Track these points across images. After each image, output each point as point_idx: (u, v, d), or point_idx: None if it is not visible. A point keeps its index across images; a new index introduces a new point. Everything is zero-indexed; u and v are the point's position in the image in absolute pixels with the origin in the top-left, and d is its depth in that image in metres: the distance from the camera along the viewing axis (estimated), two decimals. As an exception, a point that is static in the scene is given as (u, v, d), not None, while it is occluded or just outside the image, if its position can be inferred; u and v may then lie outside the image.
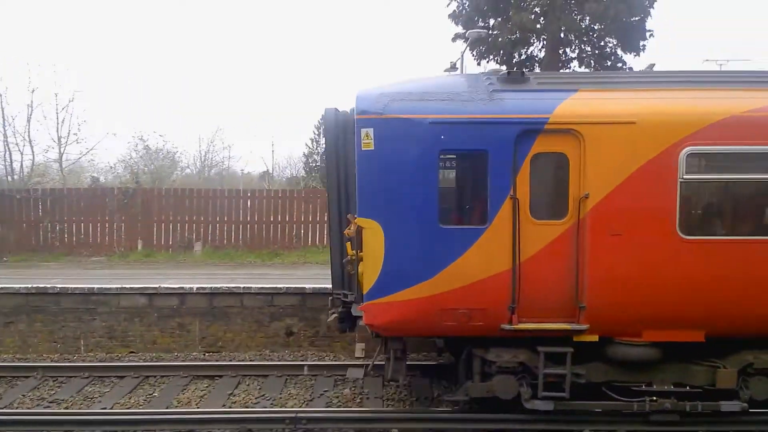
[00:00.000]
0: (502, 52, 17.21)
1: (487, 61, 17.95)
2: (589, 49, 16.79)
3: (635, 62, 20.67)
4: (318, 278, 12.30)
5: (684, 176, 6.74)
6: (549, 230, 6.90)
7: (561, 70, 17.19)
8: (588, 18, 15.70)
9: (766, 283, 6.85)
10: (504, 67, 17.08)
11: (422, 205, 6.88)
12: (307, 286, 11.43)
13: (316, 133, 53.14)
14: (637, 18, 15.57)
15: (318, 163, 50.14)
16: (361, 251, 7.18)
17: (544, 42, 16.98)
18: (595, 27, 16.09)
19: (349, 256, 7.67)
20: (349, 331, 9.04)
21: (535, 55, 17.59)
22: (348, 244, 7.82)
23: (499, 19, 16.80)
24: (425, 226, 6.88)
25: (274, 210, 16.91)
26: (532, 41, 17.21)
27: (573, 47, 17.11)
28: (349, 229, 7.76)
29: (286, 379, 9.77)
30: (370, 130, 6.91)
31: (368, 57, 70.02)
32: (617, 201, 6.76)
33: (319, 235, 16.93)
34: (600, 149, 6.75)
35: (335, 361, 10.70)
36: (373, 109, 6.94)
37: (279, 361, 10.64)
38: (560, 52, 17.02)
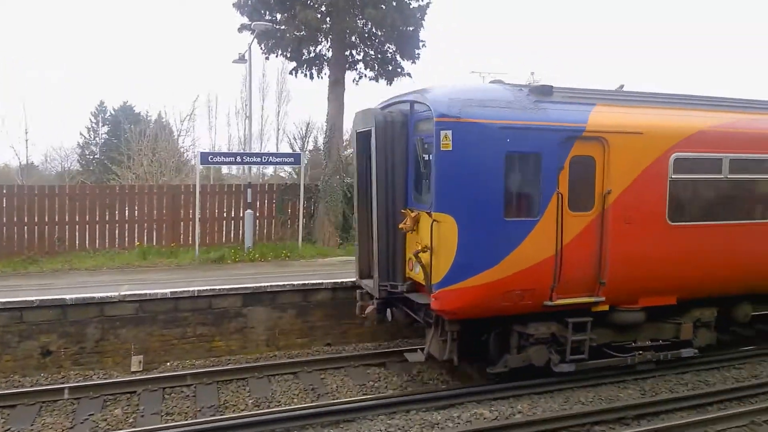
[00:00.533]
0: (290, 48, 17.15)
1: (276, 56, 17.71)
2: (372, 53, 17.59)
3: (413, 69, 22.29)
4: (86, 287, 10.84)
5: (672, 175, 8.57)
6: (581, 220, 8.22)
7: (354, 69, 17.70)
8: (370, 23, 16.44)
9: (723, 254, 8.98)
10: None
11: (492, 201, 7.76)
12: (68, 296, 9.94)
13: (93, 121, 47.35)
14: (411, 28, 16.74)
15: (96, 155, 44.74)
16: (432, 243, 7.78)
17: (332, 41, 17.33)
18: (378, 33, 16.93)
19: (419, 248, 8.01)
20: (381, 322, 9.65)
21: (323, 53, 17.85)
22: (419, 236, 8.28)
23: (286, 15, 16.71)
24: (493, 219, 7.76)
25: (29, 209, 14.46)
26: (320, 39, 17.42)
27: (359, 50, 17.76)
28: (405, 223, 8.32)
29: (41, 407, 8.36)
30: (449, 132, 7.59)
31: (147, 44, 64.32)
32: (630, 195, 8.34)
33: (89, 237, 14.96)
34: (619, 154, 8.26)
35: (106, 379, 9.52)
36: (450, 113, 7.66)
37: (31, 386, 9.08)
38: (347, 53, 17.54)
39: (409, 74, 17.63)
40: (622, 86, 10.00)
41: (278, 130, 46.20)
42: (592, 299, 8.43)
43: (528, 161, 7.98)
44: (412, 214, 8.27)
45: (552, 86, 8.48)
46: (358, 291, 9.79)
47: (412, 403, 8.25)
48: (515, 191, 8.03)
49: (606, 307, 8.61)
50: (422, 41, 17.11)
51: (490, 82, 9.19)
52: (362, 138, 9.26)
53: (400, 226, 8.45)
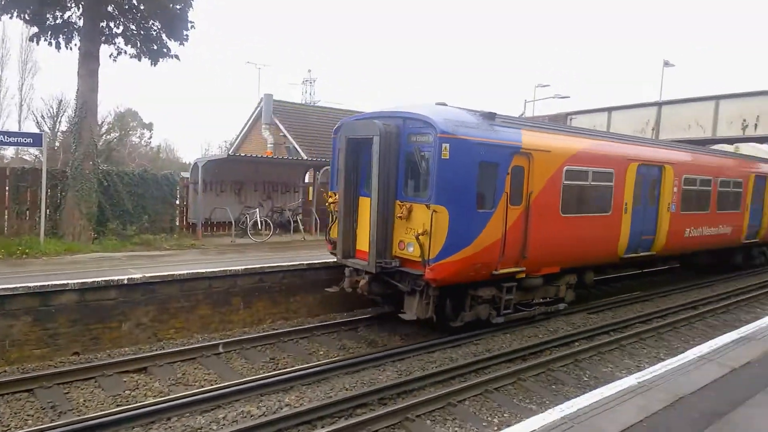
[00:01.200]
0: (30, 10, 14.53)
1: (11, 17, 14.81)
2: (134, 28, 15.84)
3: (181, 50, 20.69)
4: None
5: (564, 182, 11.90)
6: (515, 212, 11.05)
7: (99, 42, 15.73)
8: (131, -6, 14.77)
9: (587, 236, 12.67)
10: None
11: (469, 197, 10.23)
12: None
13: None
14: (179, 6, 15.44)
15: None
16: (430, 228, 9.91)
17: (84, 9, 15.17)
18: (140, 6, 15.29)
19: (419, 232, 10.01)
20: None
21: (73, 21, 15.52)
22: (411, 223, 10.35)
23: (22, -30, 14.08)
24: (470, 210, 10.25)
25: None
26: (68, 5, 15.07)
27: (117, 23, 15.82)
28: (401, 212, 10.40)
29: None
30: (447, 145, 9.87)
31: None
32: (542, 195, 11.48)
33: None
34: (538, 165, 11.32)
35: None
36: (448, 130, 9.95)
37: None
38: (103, 24, 15.53)
39: (176, 56, 16.28)
40: (522, 114, 12.15)
41: (21, 105, 39.45)
42: (518, 269, 11.32)
43: (491, 168, 10.52)
44: (407, 206, 10.33)
45: (495, 113, 11.03)
46: (346, 269, 11.60)
47: (173, 409, 7.71)
48: (482, 190, 10.45)
49: (523, 275, 11.59)
50: (191, 22, 15.95)
51: (436, 103, 11.25)
52: (353, 142, 11.28)
53: (398, 214, 10.50)
